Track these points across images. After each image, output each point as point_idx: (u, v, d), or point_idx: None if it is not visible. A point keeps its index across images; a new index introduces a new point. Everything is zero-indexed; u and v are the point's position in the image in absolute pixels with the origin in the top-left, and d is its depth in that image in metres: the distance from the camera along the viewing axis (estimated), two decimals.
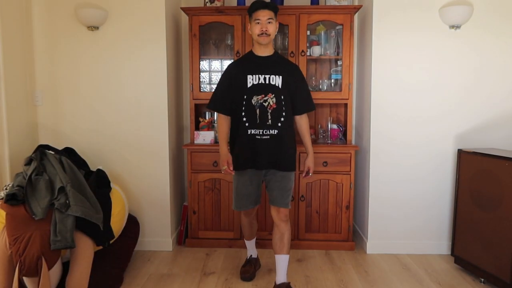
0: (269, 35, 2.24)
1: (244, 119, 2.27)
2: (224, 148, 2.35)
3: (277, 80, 2.27)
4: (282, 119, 2.26)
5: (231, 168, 2.30)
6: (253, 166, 2.30)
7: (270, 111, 2.24)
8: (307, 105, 2.41)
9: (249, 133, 2.26)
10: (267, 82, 2.26)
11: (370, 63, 2.92)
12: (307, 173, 2.40)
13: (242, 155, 2.30)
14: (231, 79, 2.33)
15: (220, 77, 2.42)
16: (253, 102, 2.25)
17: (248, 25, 2.31)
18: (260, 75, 2.27)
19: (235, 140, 2.33)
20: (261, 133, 2.25)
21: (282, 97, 2.27)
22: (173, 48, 3.13)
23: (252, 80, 2.27)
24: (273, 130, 2.25)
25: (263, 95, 2.25)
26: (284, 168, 2.30)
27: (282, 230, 2.32)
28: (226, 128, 2.39)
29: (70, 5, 2.85)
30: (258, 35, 2.24)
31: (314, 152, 2.49)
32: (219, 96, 2.36)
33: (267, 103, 2.25)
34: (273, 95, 2.25)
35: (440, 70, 2.87)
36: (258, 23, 2.23)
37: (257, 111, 2.24)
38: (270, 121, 2.24)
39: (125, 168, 2.97)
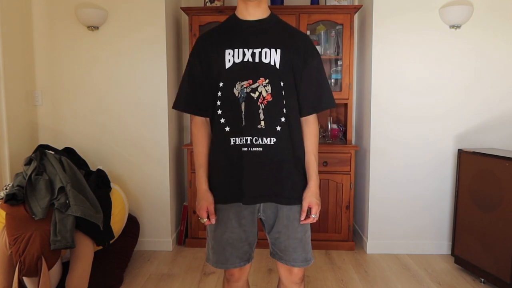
0: None
1: (222, 120, 1.43)
2: (202, 183, 1.48)
3: (273, 57, 1.41)
4: (283, 119, 1.41)
5: (214, 219, 1.46)
6: (240, 198, 1.43)
7: (263, 106, 1.39)
8: (319, 100, 1.49)
9: (231, 143, 1.41)
10: (256, 59, 1.41)
11: (370, 63, 2.92)
12: (308, 214, 1.48)
13: (221, 181, 1.46)
14: (202, 58, 1.46)
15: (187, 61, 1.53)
16: (235, 92, 1.40)
17: None
18: (245, 49, 1.41)
19: (210, 154, 1.50)
20: (249, 142, 1.40)
21: (282, 83, 1.41)
22: (173, 48, 3.13)
23: (232, 56, 1.41)
24: (268, 139, 1.40)
25: (250, 81, 1.39)
26: (288, 200, 1.46)
27: None
28: (205, 144, 1.51)
29: (70, 5, 2.86)
30: None
31: None
32: (186, 88, 1.48)
33: (257, 93, 1.39)
34: (267, 80, 1.40)
35: (440, 70, 2.87)
36: None
37: (242, 106, 1.39)
38: (263, 123, 1.39)
39: (125, 168, 2.98)
